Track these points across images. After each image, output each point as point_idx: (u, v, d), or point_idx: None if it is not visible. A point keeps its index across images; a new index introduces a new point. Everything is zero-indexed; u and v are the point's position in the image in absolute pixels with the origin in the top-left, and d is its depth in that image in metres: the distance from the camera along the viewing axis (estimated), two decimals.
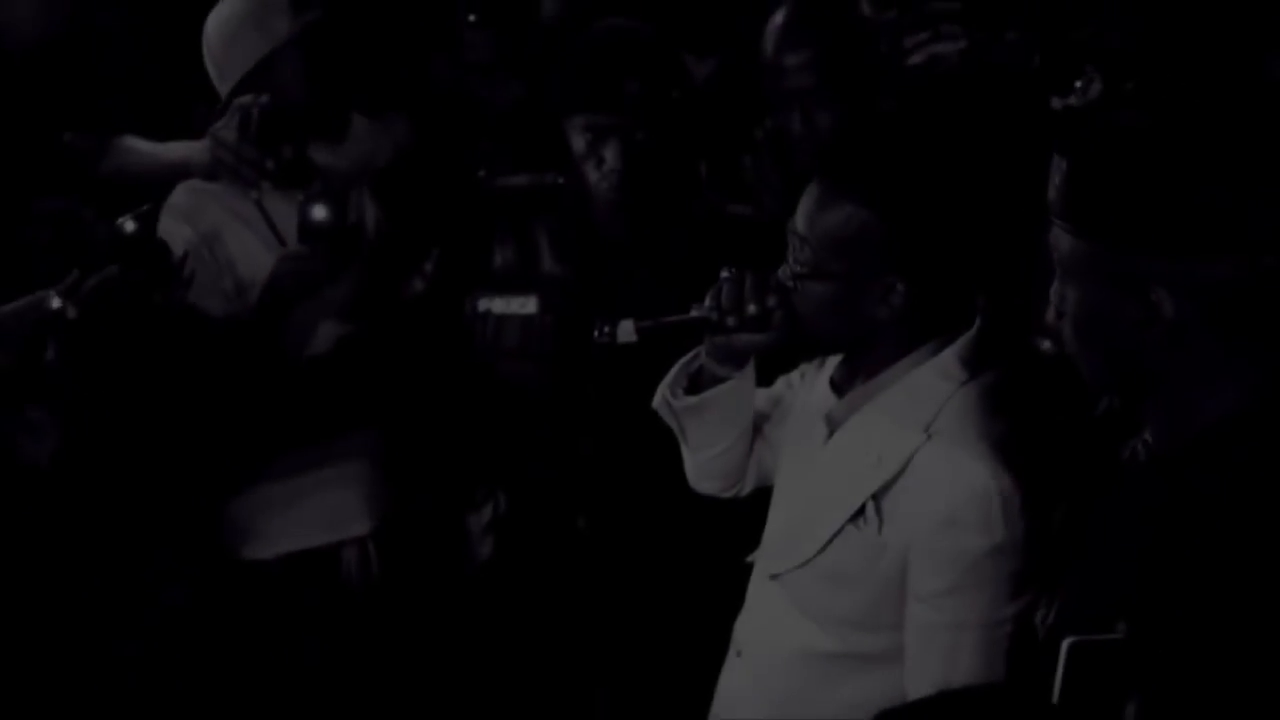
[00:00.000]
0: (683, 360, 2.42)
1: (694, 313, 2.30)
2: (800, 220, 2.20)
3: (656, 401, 2.44)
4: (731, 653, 2.39)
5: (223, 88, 3.12)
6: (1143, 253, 1.64)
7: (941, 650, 2.11)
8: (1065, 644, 1.68)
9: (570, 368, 2.99)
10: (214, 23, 3.12)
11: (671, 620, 2.94)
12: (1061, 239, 1.72)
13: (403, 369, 3.15)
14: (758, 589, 2.37)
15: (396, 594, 3.24)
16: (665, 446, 2.54)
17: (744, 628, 2.38)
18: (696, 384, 2.40)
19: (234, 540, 3.17)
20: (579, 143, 2.91)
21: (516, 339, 3.02)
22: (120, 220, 2.59)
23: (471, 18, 3.46)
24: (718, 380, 2.36)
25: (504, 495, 3.16)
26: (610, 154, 2.88)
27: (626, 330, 2.33)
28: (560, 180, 3.04)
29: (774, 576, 2.30)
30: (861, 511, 2.16)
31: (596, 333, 2.35)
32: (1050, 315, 1.79)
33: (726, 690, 2.40)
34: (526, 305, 3.02)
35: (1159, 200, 1.63)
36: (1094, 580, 1.79)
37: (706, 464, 2.49)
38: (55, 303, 2.50)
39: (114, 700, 2.92)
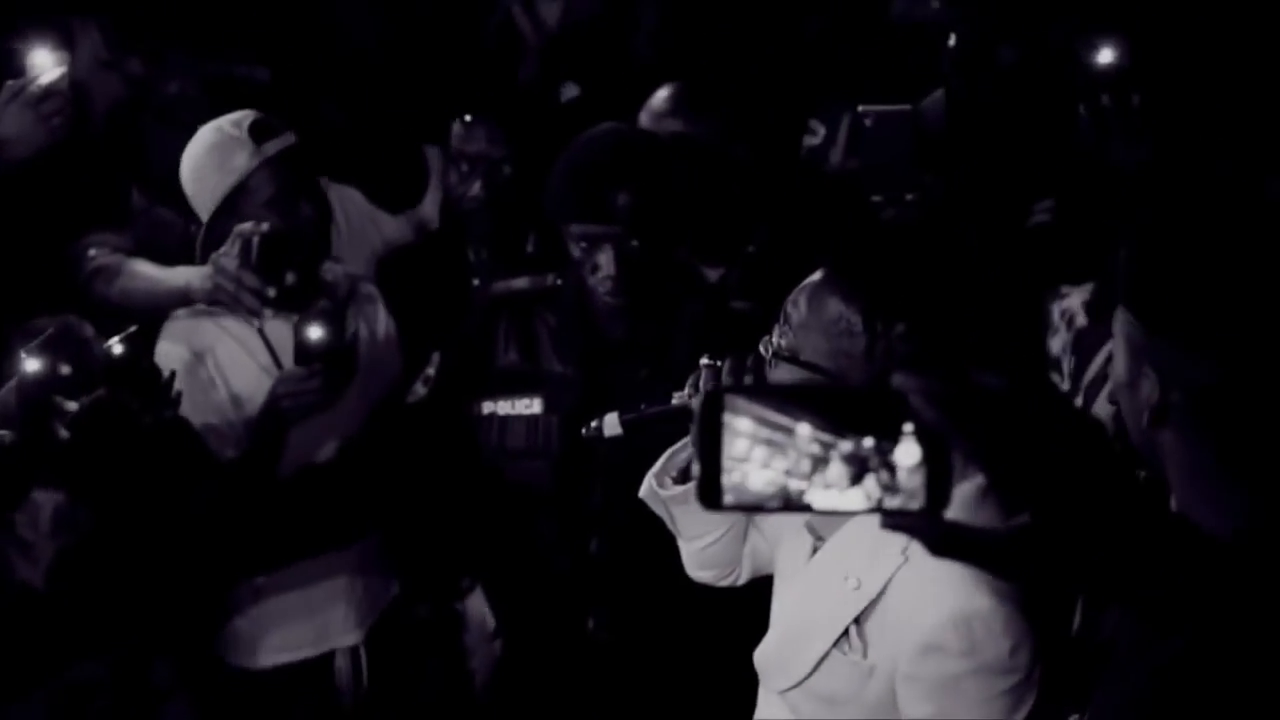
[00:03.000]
0: (671, 450, 2.39)
1: (675, 401, 2.31)
2: (799, 303, 2.18)
3: (644, 491, 2.42)
4: None
5: (202, 217, 3.13)
6: (1152, 331, 1.62)
7: None
8: None
9: (577, 467, 2.96)
10: (184, 162, 3.12)
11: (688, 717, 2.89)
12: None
13: (404, 475, 3.14)
14: (765, 696, 2.33)
15: (391, 698, 3.23)
16: (674, 544, 2.51)
17: None
18: (686, 473, 2.37)
19: (224, 649, 3.18)
20: (575, 249, 2.87)
21: (522, 440, 3.00)
22: (109, 343, 2.59)
23: (468, 117, 3.44)
24: None
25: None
26: (604, 261, 2.84)
27: (611, 424, 2.37)
28: (559, 281, 3.03)
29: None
30: (846, 635, 2.12)
31: (585, 429, 2.38)
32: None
33: None
34: (531, 405, 3.00)
35: (1160, 282, 1.62)
36: (1120, 691, 1.74)
37: (700, 553, 2.47)
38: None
39: None
